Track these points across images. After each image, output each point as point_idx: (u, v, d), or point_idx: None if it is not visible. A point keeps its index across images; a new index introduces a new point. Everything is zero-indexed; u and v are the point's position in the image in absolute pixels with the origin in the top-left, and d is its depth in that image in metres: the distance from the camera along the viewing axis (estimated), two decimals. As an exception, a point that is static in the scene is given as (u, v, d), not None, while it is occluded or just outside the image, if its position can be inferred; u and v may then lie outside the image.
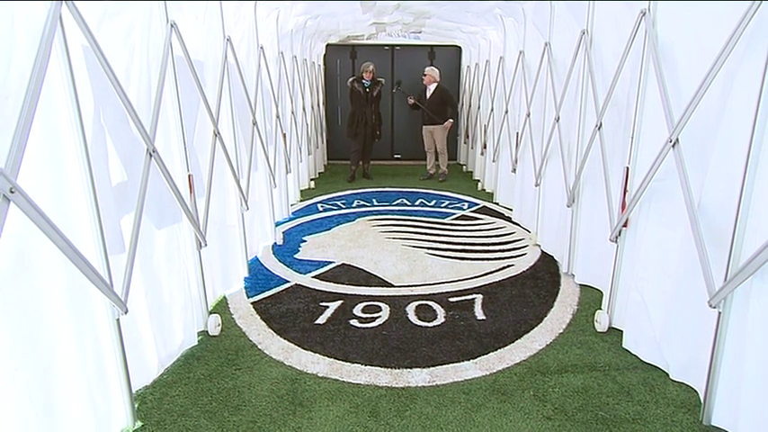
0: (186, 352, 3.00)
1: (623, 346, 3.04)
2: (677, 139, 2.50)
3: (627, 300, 3.07)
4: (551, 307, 3.62)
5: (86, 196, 2.00)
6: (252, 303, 3.70)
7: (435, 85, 8.06)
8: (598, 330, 3.25)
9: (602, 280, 3.39)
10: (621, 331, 3.13)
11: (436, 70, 8.16)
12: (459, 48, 9.65)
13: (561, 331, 3.27)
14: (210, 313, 3.33)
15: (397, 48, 9.78)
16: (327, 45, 9.52)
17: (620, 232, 3.12)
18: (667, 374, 2.74)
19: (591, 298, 3.68)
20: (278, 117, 5.44)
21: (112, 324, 2.15)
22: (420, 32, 9.17)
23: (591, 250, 3.77)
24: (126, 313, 2.18)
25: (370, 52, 9.60)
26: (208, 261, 3.40)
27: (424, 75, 8.09)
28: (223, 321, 3.38)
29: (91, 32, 2.01)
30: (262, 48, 4.73)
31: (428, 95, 8.07)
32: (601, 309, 3.39)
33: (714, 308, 2.25)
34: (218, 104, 3.49)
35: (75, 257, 1.81)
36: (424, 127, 8.29)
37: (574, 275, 4.04)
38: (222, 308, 3.62)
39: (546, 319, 3.45)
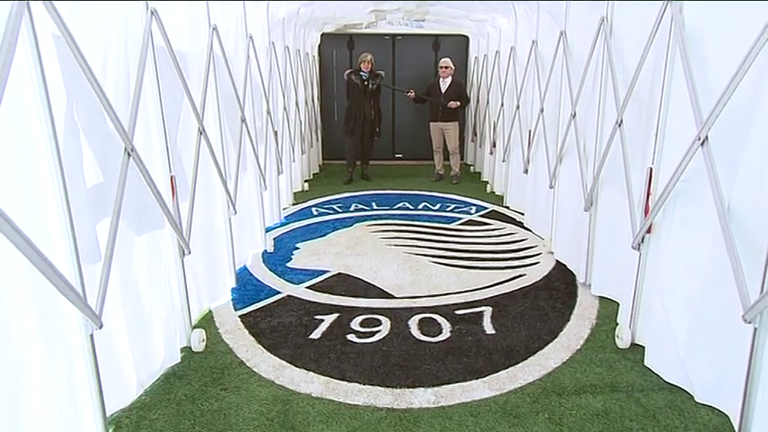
0: (167, 370, 2.98)
1: (645, 363, 3.02)
2: (706, 137, 2.48)
3: (650, 313, 3.05)
4: (567, 321, 3.61)
5: (58, 199, 1.98)
6: (240, 317, 3.69)
7: (450, 78, 8.05)
8: (620, 347, 3.23)
9: (623, 291, 3.37)
10: (644, 347, 3.11)
11: (450, 61, 8.14)
12: (467, 37, 9.66)
13: (579, 348, 3.26)
14: (194, 328, 3.31)
15: (399, 37, 9.79)
16: (322, 34, 9.52)
17: (642, 239, 3.10)
18: (696, 396, 2.73)
19: (611, 311, 3.67)
20: (269, 113, 5.43)
21: (86, 340, 2.13)
22: (423, 20, 9.17)
23: (611, 259, 3.75)
24: (101, 328, 2.16)
25: (368, 42, 9.60)
26: (192, 270, 3.38)
27: (442, 67, 8.00)
28: (208, 336, 3.37)
29: (62, 20, 1.99)
30: (251, 37, 4.73)
31: (443, 89, 8.00)
32: (620, 323, 3.37)
33: (749, 323, 2.22)
34: (203, 99, 3.49)
35: (44, 267, 1.79)
36: (433, 124, 8.24)
37: (591, 286, 4.02)
38: (207, 322, 3.61)
39: (562, 334, 3.43)
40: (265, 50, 5.45)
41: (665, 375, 2.89)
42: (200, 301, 3.65)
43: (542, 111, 5.20)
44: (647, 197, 3.06)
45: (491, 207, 6.73)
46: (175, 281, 3.12)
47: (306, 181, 8.02)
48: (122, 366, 2.58)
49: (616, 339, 3.29)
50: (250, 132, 4.61)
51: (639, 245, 3.13)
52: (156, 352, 2.89)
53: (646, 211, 3.07)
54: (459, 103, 7.98)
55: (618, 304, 3.62)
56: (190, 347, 3.21)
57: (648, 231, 3.06)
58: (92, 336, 2.14)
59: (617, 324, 3.44)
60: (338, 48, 9.81)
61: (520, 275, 4.42)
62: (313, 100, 8.97)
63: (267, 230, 5.29)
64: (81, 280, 2.06)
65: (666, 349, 2.87)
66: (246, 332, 3.46)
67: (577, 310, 3.75)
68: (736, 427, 2.39)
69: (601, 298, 3.91)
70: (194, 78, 3.45)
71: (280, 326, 3.54)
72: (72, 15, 2.13)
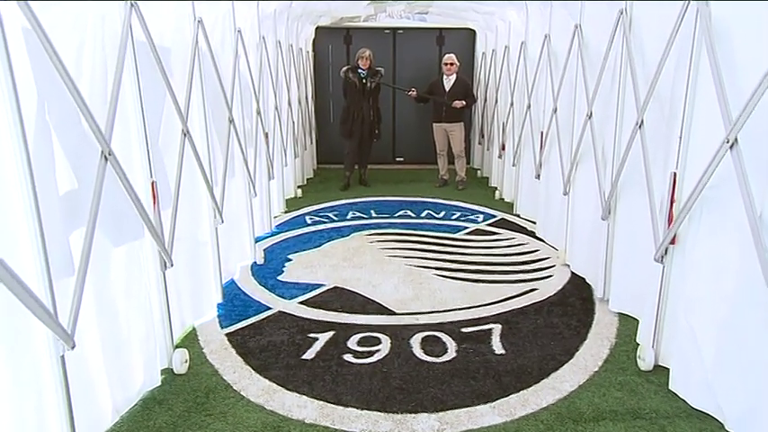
0: (146, 395, 2.96)
1: (670, 387, 3.00)
2: (736, 139, 2.47)
3: (675, 332, 3.03)
4: (584, 339, 3.60)
5: (27, 207, 1.96)
6: (226, 335, 3.68)
7: (455, 75, 8.06)
8: (642, 369, 3.21)
9: (645, 308, 3.35)
10: (669, 369, 3.08)
11: (455, 57, 8.14)
12: (473, 31, 9.70)
13: (596, 370, 3.24)
14: (176, 347, 3.29)
15: (400, 31, 9.82)
16: (317, 28, 9.56)
17: (666, 250, 3.09)
18: (727, 423, 2.70)
19: (632, 329, 3.65)
20: (259, 113, 5.44)
21: (56, 362, 2.10)
22: (426, 13, 9.21)
23: (631, 272, 3.74)
24: (73, 349, 2.14)
25: (367, 36, 9.63)
26: (174, 285, 3.37)
27: (447, 63, 8.02)
28: (192, 357, 3.35)
29: (33, 12, 1.98)
30: (239, 31, 4.73)
31: (448, 88, 8.02)
32: (641, 342, 3.35)
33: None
34: (187, 98, 3.49)
35: (10, 282, 1.76)
36: (436, 125, 8.26)
37: (610, 301, 4.01)
38: (191, 341, 3.59)
39: (578, 354, 3.42)
40: (255, 45, 5.46)
41: (691, 401, 2.86)
42: (182, 318, 3.63)
43: (555, 111, 5.21)
44: (671, 205, 3.05)
45: (500, 215, 6.73)
46: (156, 296, 3.10)
47: (299, 187, 8.03)
48: (96, 391, 2.55)
49: (638, 360, 3.27)
50: (238, 134, 4.61)
51: (662, 257, 3.11)
52: (133, 374, 2.86)
53: (669, 220, 3.05)
54: (464, 103, 8.00)
55: (639, 322, 3.59)
56: (171, 369, 3.19)
57: (672, 242, 3.04)
58: (63, 357, 2.12)
59: (638, 344, 3.41)
60: (334, 42, 9.85)
61: (532, 290, 4.41)
62: (307, 99, 8.99)
63: (257, 241, 5.28)
64: (52, 296, 2.04)
65: (693, 372, 2.85)
66: (234, 352, 3.45)
67: (595, 328, 3.74)
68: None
69: (620, 315, 3.89)
70: (178, 76, 3.45)
71: (270, 345, 3.52)
72: (44, 7, 2.12)
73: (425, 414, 2.82)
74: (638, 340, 3.46)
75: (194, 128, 3.62)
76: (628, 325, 3.74)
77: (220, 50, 4.31)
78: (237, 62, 4.66)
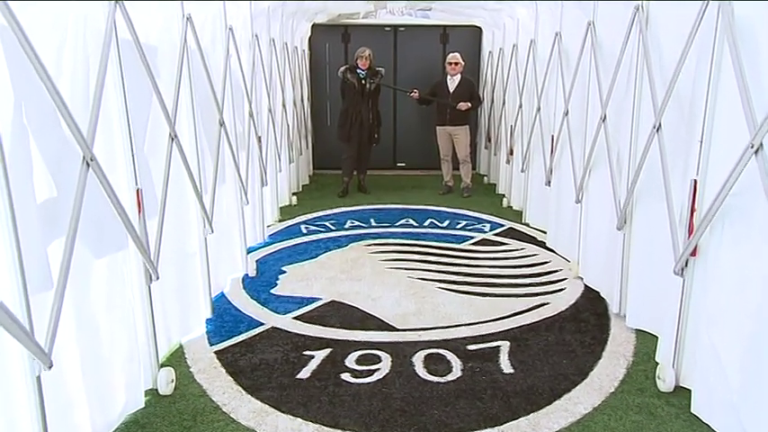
0: (128, 418, 2.94)
1: (692, 410, 2.98)
2: (761, 144, 2.47)
3: (697, 350, 3.01)
4: (599, 358, 3.59)
5: (2, 216, 1.95)
6: (216, 353, 3.67)
7: (460, 75, 8.08)
8: (661, 390, 3.20)
9: (665, 324, 3.35)
10: (691, 391, 3.07)
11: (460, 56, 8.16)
12: (479, 29, 9.74)
13: (612, 390, 3.23)
14: (162, 366, 3.28)
15: (401, 29, 9.86)
16: (314, 25, 9.60)
17: (686, 262, 3.08)
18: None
19: (650, 347, 3.64)
20: (251, 116, 5.45)
21: (31, 383, 2.08)
22: (430, 9, 9.24)
23: (649, 285, 3.73)
24: (50, 368, 2.12)
25: (366, 34, 9.67)
26: (160, 299, 3.37)
27: (451, 63, 8.04)
28: (178, 376, 3.34)
29: (10, 9, 1.97)
30: (231, 29, 4.75)
31: (452, 89, 8.04)
32: (661, 361, 3.33)
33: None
34: (175, 100, 3.49)
35: (-17, 297, 1.75)
36: (440, 128, 8.28)
37: (626, 317, 4.00)
38: (177, 359, 3.58)
39: (592, 373, 3.41)
40: (247, 44, 5.48)
41: (715, 425, 2.84)
42: (169, 334, 3.62)
43: (567, 113, 5.22)
44: (691, 214, 3.04)
45: (508, 224, 6.74)
46: (140, 311, 3.09)
47: (294, 194, 8.04)
48: (74, 414, 2.53)
49: (657, 381, 3.26)
50: (230, 138, 4.62)
51: (682, 269, 3.10)
52: (115, 396, 2.84)
53: (690, 230, 3.05)
54: (470, 105, 8.01)
55: (658, 339, 3.59)
56: (156, 390, 3.17)
57: (693, 254, 3.04)
58: (39, 378, 2.10)
59: (658, 363, 3.40)
60: (332, 41, 9.88)
61: (542, 304, 4.41)
62: (302, 101, 9.02)
63: (249, 251, 5.27)
64: (28, 311, 2.02)
65: (717, 393, 2.83)
66: (223, 371, 3.44)
67: (610, 346, 3.73)
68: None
69: (638, 331, 3.88)
70: (165, 76, 3.45)
71: (262, 363, 3.52)
72: (22, 3, 2.11)
73: (429, 438, 2.81)
74: (657, 359, 3.45)
75: (182, 131, 3.62)
76: (646, 342, 3.73)
77: (210, 49, 4.32)
78: (229, 61, 4.67)
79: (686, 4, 3.14)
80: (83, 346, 2.56)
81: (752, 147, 2.50)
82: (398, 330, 3.97)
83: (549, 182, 5.78)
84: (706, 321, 2.93)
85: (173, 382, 3.23)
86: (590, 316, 4.18)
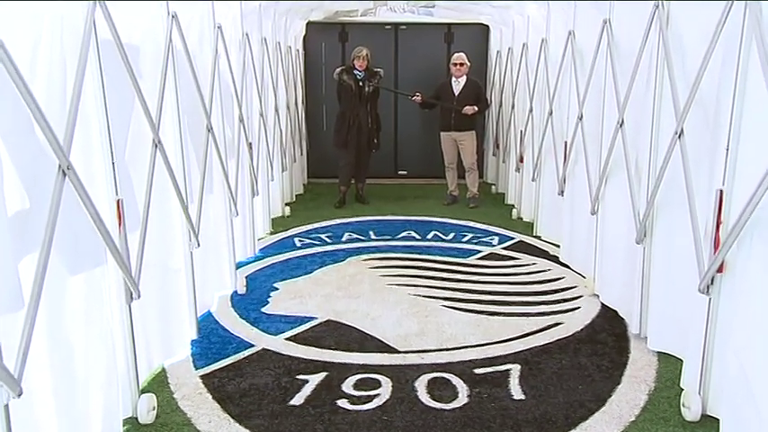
0: (106, 449, 2.92)
1: (721, 441, 2.97)
2: (792, 152, 2.46)
3: (725, 375, 2.99)
4: (618, 383, 3.58)
5: (-31, 231, 1.94)
6: (201, 377, 3.67)
7: (465, 77, 8.10)
8: (687, 419, 3.18)
9: (689, 346, 3.34)
10: (719, 421, 3.04)
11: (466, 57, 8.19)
12: (486, 27, 9.78)
13: (633, 419, 3.22)
14: (143, 392, 3.27)
15: (403, 27, 9.90)
16: (308, 24, 9.63)
17: (712, 279, 3.07)
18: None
19: (674, 371, 3.64)
20: (241, 120, 5.46)
21: None
22: (433, 6, 9.27)
23: (672, 304, 3.73)
24: (20, 396, 2.09)
25: (365, 33, 9.72)
26: (141, 319, 3.36)
27: (456, 63, 8.07)
28: (160, 403, 3.33)
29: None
30: (220, 27, 4.76)
31: (457, 91, 8.07)
32: (685, 387, 3.31)
33: None
34: (159, 104, 3.49)
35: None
36: (444, 134, 8.29)
37: (647, 338, 3.98)
38: (160, 384, 3.57)
39: (610, 400, 3.40)
40: (237, 43, 5.51)
41: (746, 458, 2.82)
42: (150, 357, 3.62)
43: (581, 118, 5.22)
44: (717, 227, 3.04)
45: (518, 237, 6.74)
46: (120, 332, 3.08)
47: (287, 204, 8.05)
48: (47, 445, 2.51)
49: (682, 409, 3.24)
50: (218, 144, 4.62)
51: (708, 287, 3.10)
52: (90, 425, 2.81)
53: (716, 245, 3.04)
54: (476, 109, 8.03)
55: (683, 363, 3.57)
56: (136, 418, 3.16)
57: (720, 270, 3.03)
58: (7, 406, 2.07)
59: (682, 389, 3.38)
60: (328, 40, 9.92)
61: (555, 324, 4.41)
62: (296, 104, 9.05)
63: (238, 267, 5.28)
64: (-4, 334, 2.00)
65: (747, 423, 2.80)
66: (209, 397, 3.44)
67: (630, 370, 3.72)
68: None
69: (660, 354, 3.87)
70: (149, 78, 3.46)
71: (252, 389, 3.51)
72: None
73: (433, 472, 2.80)
74: (681, 385, 3.43)
75: (167, 137, 3.62)
76: (669, 366, 3.72)
77: (198, 49, 4.33)
78: (217, 62, 4.68)
79: (709, 4, 3.15)
80: (56, 371, 2.54)
81: (782, 155, 2.50)
82: (400, 353, 3.97)
83: (563, 191, 5.78)
84: (734, 344, 2.90)
85: (154, 409, 3.22)
86: (607, 337, 4.18)
